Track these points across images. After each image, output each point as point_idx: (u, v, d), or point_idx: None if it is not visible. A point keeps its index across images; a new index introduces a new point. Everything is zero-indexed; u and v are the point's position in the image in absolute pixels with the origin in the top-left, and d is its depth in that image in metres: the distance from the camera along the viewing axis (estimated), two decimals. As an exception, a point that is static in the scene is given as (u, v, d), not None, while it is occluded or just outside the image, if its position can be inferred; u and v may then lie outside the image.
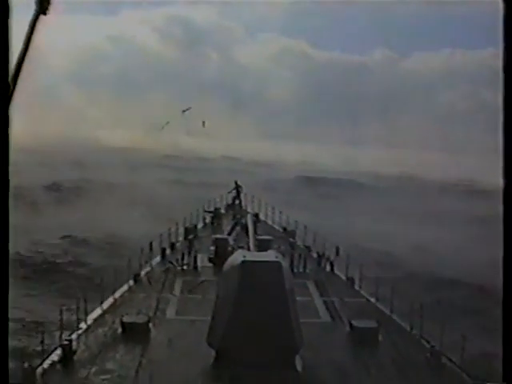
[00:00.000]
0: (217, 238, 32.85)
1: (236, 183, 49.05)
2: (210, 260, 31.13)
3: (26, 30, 5.25)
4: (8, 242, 4.04)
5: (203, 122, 59.88)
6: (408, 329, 22.53)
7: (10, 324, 4.34)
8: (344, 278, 29.63)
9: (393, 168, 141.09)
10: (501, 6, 3.82)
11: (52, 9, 5.19)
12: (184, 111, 57.56)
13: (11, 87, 4.90)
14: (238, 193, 48.81)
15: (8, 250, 4.04)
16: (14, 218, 4.73)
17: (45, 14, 5.15)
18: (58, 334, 20.60)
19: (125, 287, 26.60)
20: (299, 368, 18.03)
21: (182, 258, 30.86)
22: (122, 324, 21.14)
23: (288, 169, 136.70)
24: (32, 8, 5.12)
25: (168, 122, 71.99)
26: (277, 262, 18.47)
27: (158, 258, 32.24)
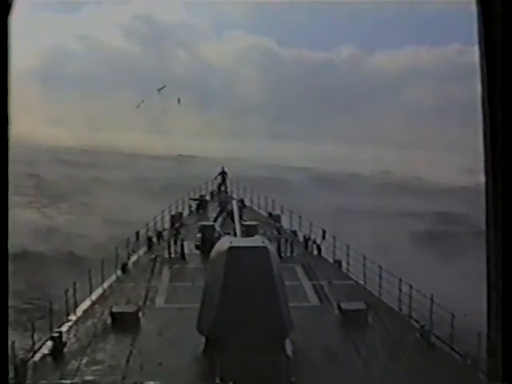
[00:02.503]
0: (203, 225, 32.83)
1: (222, 170, 48.96)
2: (197, 247, 31.14)
3: None
4: (7, 241, 4.01)
5: (178, 100, 59.13)
6: (397, 309, 22.68)
7: None
8: (331, 261, 29.75)
9: (337, 165, 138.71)
10: (474, 7, 3.83)
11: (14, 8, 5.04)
12: (159, 90, 57.00)
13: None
14: (224, 179, 48.75)
15: (7, 250, 4.01)
16: None
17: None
18: None
19: (113, 277, 26.57)
20: (289, 352, 18.11)
21: (169, 247, 30.85)
22: (112, 314, 21.13)
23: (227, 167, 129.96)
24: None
25: (143, 101, 70.49)
26: (264, 247, 18.50)
27: (144, 247, 32.22)
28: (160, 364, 17.52)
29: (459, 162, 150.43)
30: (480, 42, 3.61)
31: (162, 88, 56.20)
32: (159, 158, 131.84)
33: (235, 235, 21.59)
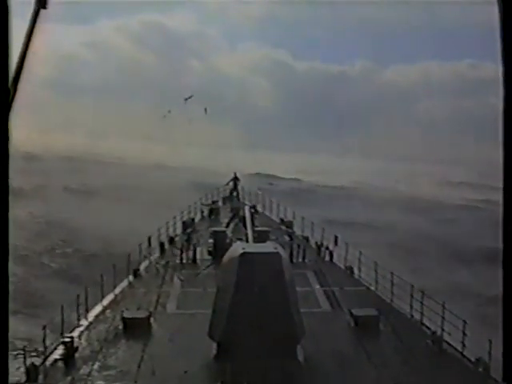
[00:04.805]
0: (215, 231, 32.81)
1: (235, 175, 48.99)
2: (209, 253, 31.14)
3: (27, 26, 5.14)
4: (8, 241, 4.00)
5: (205, 109, 58.37)
6: (408, 316, 22.60)
7: None
8: (343, 267, 29.68)
9: (327, 177, 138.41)
10: (496, 9, 3.77)
11: (49, 5, 5.08)
12: (186, 99, 56.48)
13: (14, 82, 4.83)
14: (236, 185, 48.78)
15: (8, 250, 4.01)
16: None
17: (44, 7, 5.04)
18: None
19: (125, 282, 26.60)
20: (301, 358, 18.07)
21: (181, 252, 30.86)
22: (123, 319, 21.15)
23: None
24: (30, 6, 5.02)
25: (170, 111, 69.42)
26: (276, 252, 18.47)
27: (156, 253, 32.24)
28: (186, 372, 17.47)
29: (461, 176, 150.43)
30: (503, 45, 3.51)
31: (190, 97, 55.78)
32: (147, 167, 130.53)
33: (247, 241, 21.57)
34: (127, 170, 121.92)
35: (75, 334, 20.19)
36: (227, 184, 49.30)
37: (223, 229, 34.04)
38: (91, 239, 57.58)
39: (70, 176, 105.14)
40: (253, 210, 38.81)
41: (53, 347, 19.01)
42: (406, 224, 78.65)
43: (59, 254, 56.13)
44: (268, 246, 19.60)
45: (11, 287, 4.69)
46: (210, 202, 45.87)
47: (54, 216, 68.44)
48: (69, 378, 17.28)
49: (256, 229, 29.47)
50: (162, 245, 33.00)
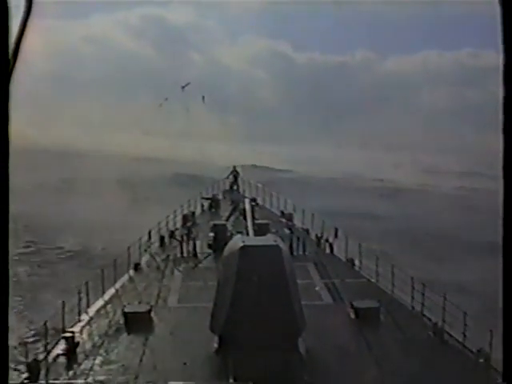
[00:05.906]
0: (215, 224, 32.79)
1: (234, 169, 48.88)
2: (210, 246, 31.10)
3: (21, 17, 5.09)
4: (8, 242, 3.96)
5: (203, 97, 57.74)
6: (409, 307, 22.59)
7: None
8: (344, 259, 29.65)
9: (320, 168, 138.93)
10: (497, 5, 3.72)
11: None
12: (183, 87, 55.84)
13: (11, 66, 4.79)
14: (236, 178, 48.66)
15: (8, 250, 3.97)
16: None
17: None
18: None
19: (125, 277, 26.57)
20: (302, 350, 18.05)
21: (181, 246, 30.84)
22: (124, 314, 21.14)
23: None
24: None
25: (167, 99, 68.21)
26: (276, 245, 18.45)
27: (157, 247, 32.21)
28: (185, 363, 17.48)
29: (460, 165, 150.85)
30: (504, 40, 3.47)
31: (187, 85, 55.06)
32: (142, 161, 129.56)
33: (247, 234, 21.54)
34: (120, 163, 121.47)
35: (76, 328, 20.19)
36: (227, 177, 49.20)
37: (223, 222, 33.99)
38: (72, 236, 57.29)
39: (53, 171, 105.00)
40: (253, 203, 38.71)
41: (54, 342, 19.04)
42: (390, 213, 78.84)
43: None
44: (268, 239, 19.57)
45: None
46: (210, 195, 45.78)
47: (29, 212, 68.74)
48: (71, 372, 17.29)
49: (256, 222, 29.43)
50: (162, 238, 32.99)
